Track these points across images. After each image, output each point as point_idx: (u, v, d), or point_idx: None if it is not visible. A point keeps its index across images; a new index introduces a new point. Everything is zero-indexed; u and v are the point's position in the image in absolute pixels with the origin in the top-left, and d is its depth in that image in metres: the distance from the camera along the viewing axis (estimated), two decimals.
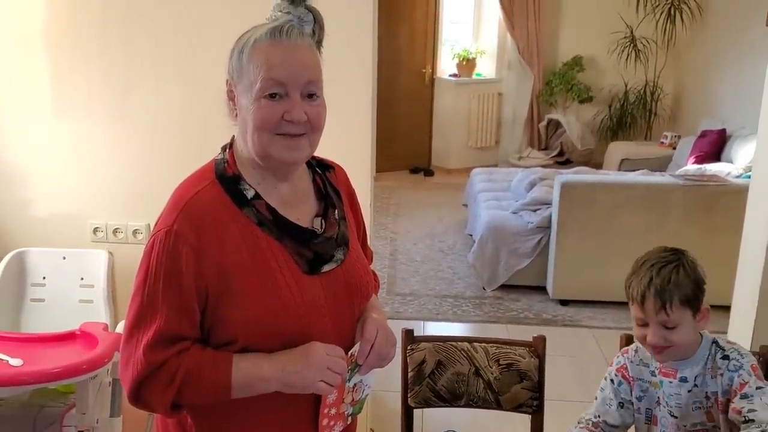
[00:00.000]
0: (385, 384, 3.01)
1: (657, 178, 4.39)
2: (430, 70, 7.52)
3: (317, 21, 1.34)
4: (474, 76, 7.56)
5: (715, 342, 1.66)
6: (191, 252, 1.24)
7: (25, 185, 2.64)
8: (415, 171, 7.61)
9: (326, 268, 1.35)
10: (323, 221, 1.38)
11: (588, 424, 1.72)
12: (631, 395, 1.71)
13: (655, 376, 1.68)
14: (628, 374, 1.71)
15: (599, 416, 1.72)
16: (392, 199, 6.62)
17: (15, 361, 2.04)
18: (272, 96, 1.26)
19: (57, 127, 2.60)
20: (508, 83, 7.51)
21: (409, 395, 2.08)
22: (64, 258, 2.52)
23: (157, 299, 1.24)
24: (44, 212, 2.64)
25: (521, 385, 2.04)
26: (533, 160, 7.13)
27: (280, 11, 1.31)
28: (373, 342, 1.36)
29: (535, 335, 2.09)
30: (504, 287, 4.55)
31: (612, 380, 1.72)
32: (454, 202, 6.19)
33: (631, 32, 6.89)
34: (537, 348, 2.07)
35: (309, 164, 1.44)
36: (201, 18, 2.46)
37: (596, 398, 1.75)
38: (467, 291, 4.57)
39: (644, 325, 1.61)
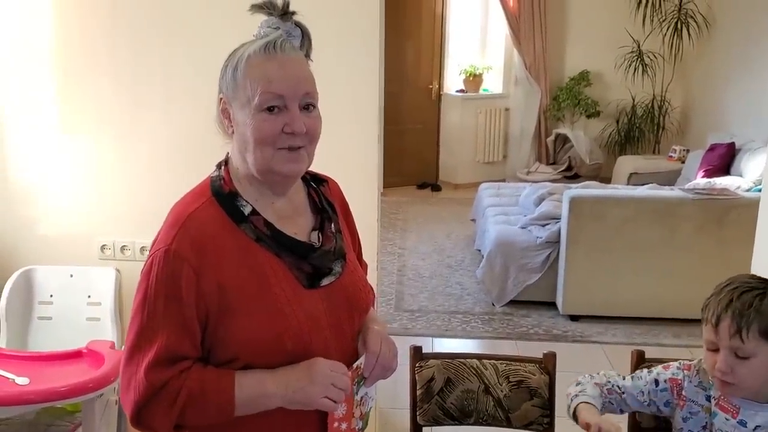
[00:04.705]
0: (394, 401, 2.99)
1: (666, 192, 4.37)
2: (437, 86, 7.53)
3: (305, 35, 1.35)
4: (481, 92, 7.57)
5: None
6: (191, 271, 1.23)
7: (33, 203, 2.65)
8: (422, 186, 7.60)
9: (325, 281, 1.34)
10: (320, 235, 1.38)
11: (605, 383, 1.67)
12: (663, 407, 1.64)
13: (710, 402, 1.58)
14: (681, 392, 1.61)
15: (623, 391, 1.66)
16: (400, 215, 6.60)
17: (21, 380, 2.03)
18: (271, 109, 1.27)
19: (65, 145, 2.61)
20: (515, 98, 7.52)
21: (417, 413, 2.06)
22: (72, 276, 2.51)
23: (157, 319, 1.23)
24: (52, 230, 2.65)
25: (531, 403, 2.02)
26: (541, 174, 7.11)
27: (269, 26, 1.32)
28: (378, 354, 1.35)
29: (545, 352, 2.07)
30: (513, 303, 4.52)
31: (656, 381, 1.64)
32: (462, 218, 6.18)
33: (638, 46, 6.89)
34: (547, 365, 2.05)
35: (303, 178, 1.44)
36: (210, 36, 2.47)
37: (626, 377, 1.68)
38: (476, 307, 4.54)
39: (715, 350, 1.49)
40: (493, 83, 7.63)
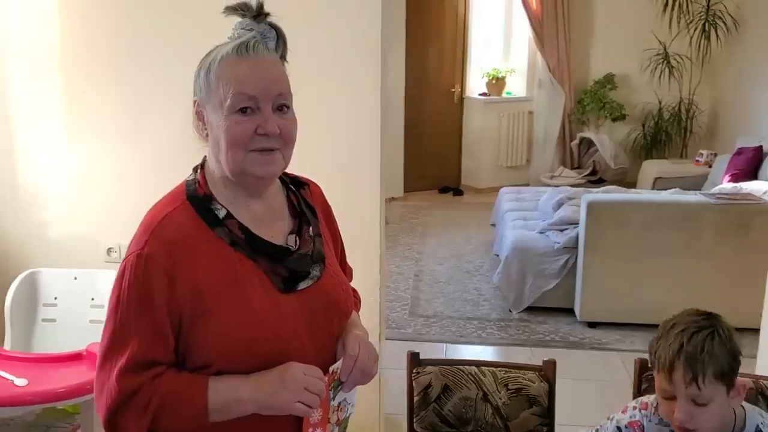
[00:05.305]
0: (403, 407, 2.95)
1: (688, 196, 4.26)
2: (459, 90, 7.49)
3: (280, 37, 1.33)
4: (504, 95, 7.51)
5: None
6: (163, 275, 1.22)
7: (40, 207, 2.68)
8: (444, 191, 7.55)
9: (302, 285, 1.32)
10: (297, 238, 1.35)
11: None
12: None
13: None
14: None
15: None
16: (419, 219, 6.56)
17: (20, 381, 2.04)
18: (243, 111, 1.25)
19: (71, 149, 2.64)
20: (539, 102, 7.44)
21: (414, 420, 2.04)
22: (76, 278, 2.53)
23: (129, 324, 1.22)
24: (59, 233, 2.68)
25: (531, 411, 1.98)
26: (565, 179, 7.01)
27: (243, 28, 1.31)
28: (356, 358, 1.32)
29: (545, 359, 2.03)
30: (531, 309, 4.45)
31: (618, 428, 1.59)
32: (482, 222, 6.10)
33: (665, 49, 6.77)
34: (547, 372, 2.00)
35: (283, 182, 1.42)
36: (213, 41, 2.47)
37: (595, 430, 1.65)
38: (492, 313, 4.48)
39: (670, 398, 1.43)
40: (516, 86, 7.56)
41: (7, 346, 2.41)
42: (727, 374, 1.40)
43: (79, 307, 2.49)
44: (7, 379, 2.05)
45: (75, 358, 2.17)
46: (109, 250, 2.65)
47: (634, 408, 1.59)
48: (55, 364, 2.15)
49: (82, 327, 2.47)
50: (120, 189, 2.63)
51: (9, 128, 2.62)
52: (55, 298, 2.52)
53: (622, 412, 1.62)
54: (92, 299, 2.49)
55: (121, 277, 1.24)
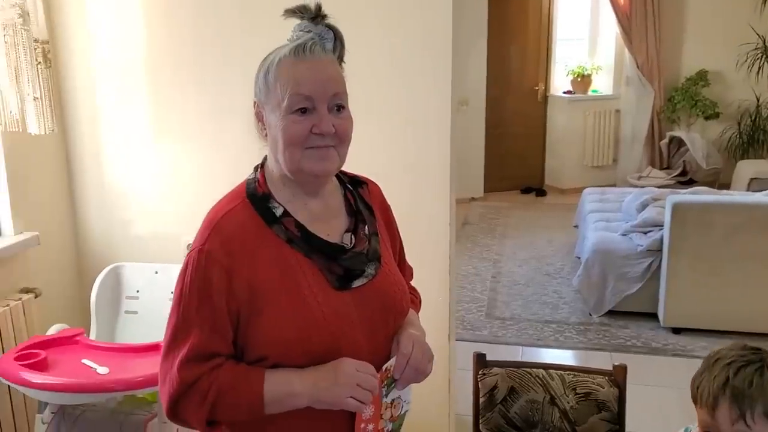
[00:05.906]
0: (471, 408, 2.93)
1: None
2: (543, 88, 7.35)
3: (337, 38, 1.35)
4: (590, 93, 7.32)
5: None
6: (222, 271, 1.26)
7: (126, 206, 2.80)
8: (526, 191, 7.44)
9: (357, 283, 1.33)
10: (353, 236, 1.37)
11: None
12: None
13: None
14: None
15: None
16: (500, 220, 6.48)
17: (102, 369, 2.15)
18: (300, 111, 1.28)
19: (156, 150, 2.74)
20: (626, 100, 7.22)
21: (480, 421, 2.02)
22: (156, 272, 2.63)
23: (190, 318, 1.27)
24: (142, 230, 2.79)
25: (599, 416, 1.93)
26: (654, 179, 6.76)
27: (301, 30, 1.33)
28: (409, 356, 1.33)
29: (615, 364, 1.98)
30: (612, 313, 4.33)
31: None
32: (566, 224, 5.98)
33: (764, 43, 6.43)
34: (617, 377, 1.95)
35: (341, 180, 1.44)
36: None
37: None
38: (572, 317, 4.37)
39: None
40: (602, 84, 7.36)
41: (92, 336, 2.54)
42: None
43: (159, 299, 2.59)
44: (90, 367, 2.16)
45: (153, 348, 2.26)
46: (189, 246, 2.74)
47: None
48: (134, 354, 2.25)
49: (162, 319, 2.55)
50: (201, 189, 2.71)
51: (96, 128, 2.75)
52: (137, 291, 2.64)
53: None
54: (171, 292, 2.57)
55: (184, 272, 1.29)
